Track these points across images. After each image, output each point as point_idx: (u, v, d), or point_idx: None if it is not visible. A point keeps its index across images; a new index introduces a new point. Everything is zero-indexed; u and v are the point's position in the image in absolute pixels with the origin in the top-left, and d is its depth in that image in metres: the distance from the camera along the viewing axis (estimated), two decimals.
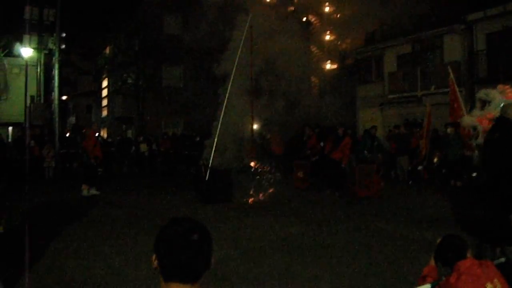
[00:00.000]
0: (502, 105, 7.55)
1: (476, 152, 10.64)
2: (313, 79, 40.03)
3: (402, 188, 15.13)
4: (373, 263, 6.98)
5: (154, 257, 1.99)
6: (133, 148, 25.61)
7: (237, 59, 14.37)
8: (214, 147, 13.82)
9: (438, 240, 3.70)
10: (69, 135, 31.41)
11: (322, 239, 8.53)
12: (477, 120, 9.28)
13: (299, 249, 7.80)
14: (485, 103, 8.88)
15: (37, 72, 26.25)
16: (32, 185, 15.68)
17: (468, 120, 10.40)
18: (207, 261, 1.99)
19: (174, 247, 1.94)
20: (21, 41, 25.02)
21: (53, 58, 24.44)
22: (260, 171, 15.25)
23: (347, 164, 15.71)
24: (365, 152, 15.86)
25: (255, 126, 16.08)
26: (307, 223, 10.06)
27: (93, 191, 14.97)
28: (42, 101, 26.86)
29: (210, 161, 13.57)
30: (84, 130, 22.34)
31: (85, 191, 14.89)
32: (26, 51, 24.99)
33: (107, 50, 37.87)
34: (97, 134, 23.09)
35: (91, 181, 15.16)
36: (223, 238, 8.47)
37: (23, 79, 27.22)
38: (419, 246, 7.74)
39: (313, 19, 40.98)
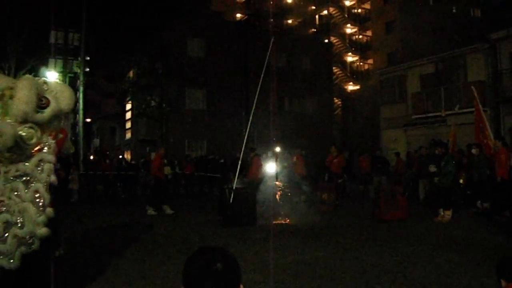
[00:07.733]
0: None
1: None
2: (336, 100, 40.08)
3: (427, 210, 14.91)
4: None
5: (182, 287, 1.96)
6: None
7: (260, 81, 14.39)
8: (238, 170, 13.83)
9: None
10: (93, 158, 31.64)
11: (348, 263, 8.42)
12: None
13: (325, 273, 7.71)
14: None
15: None
16: (59, 207, 15.74)
17: None
18: None
19: (198, 278, 1.90)
20: (46, 65, 25.45)
21: (78, 81, 24.77)
22: (285, 193, 15.16)
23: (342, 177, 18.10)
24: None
25: (278, 149, 16.03)
26: (333, 247, 9.96)
27: (151, 211, 15.69)
28: None
29: (234, 184, 13.55)
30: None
31: (150, 210, 15.73)
32: (52, 75, 25.38)
33: (131, 73, 38.18)
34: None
35: (158, 201, 16.03)
36: (247, 261, 8.41)
37: None
38: (449, 269, 7.63)
39: (335, 41, 41.17)
